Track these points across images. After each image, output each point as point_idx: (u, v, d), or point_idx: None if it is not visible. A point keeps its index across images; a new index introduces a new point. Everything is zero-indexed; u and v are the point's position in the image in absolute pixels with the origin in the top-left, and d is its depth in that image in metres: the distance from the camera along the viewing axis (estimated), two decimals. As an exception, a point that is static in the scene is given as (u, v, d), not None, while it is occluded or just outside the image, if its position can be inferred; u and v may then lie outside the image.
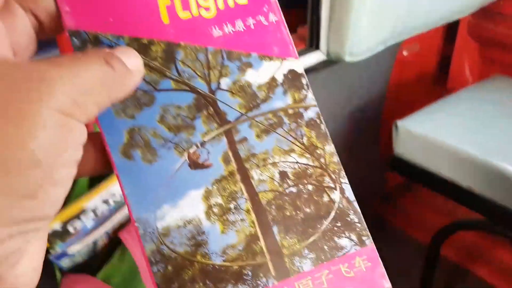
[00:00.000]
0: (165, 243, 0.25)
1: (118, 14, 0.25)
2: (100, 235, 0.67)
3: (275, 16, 0.28)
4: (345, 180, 0.28)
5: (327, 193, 0.27)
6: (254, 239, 0.26)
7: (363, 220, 0.27)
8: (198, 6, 0.26)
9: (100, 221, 0.67)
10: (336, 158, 0.28)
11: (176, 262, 0.25)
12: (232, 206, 0.26)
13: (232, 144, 0.27)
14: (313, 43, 0.94)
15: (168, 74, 0.26)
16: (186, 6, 0.26)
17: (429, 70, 1.37)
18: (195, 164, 0.26)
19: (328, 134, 0.28)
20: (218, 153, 0.26)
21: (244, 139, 0.27)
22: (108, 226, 0.68)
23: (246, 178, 0.27)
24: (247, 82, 0.27)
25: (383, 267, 0.27)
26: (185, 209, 0.25)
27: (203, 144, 0.26)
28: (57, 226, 0.62)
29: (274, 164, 0.27)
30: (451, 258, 1.27)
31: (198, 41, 0.26)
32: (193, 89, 0.26)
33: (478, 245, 1.27)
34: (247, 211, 0.26)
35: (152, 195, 0.25)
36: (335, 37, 0.91)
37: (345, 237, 0.27)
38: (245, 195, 0.26)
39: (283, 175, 0.27)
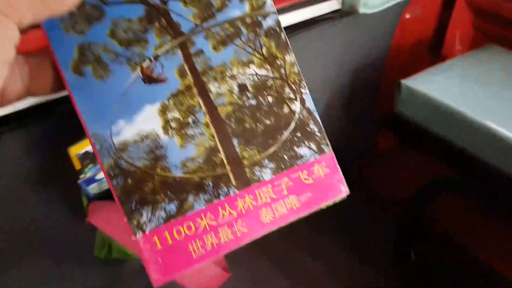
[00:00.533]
0: (123, 158, 0.21)
1: None
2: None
3: None
4: (305, 90, 0.23)
5: (287, 104, 0.23)
6: (214, 152, 0.22)
7: (323, 129, 0.24)
8: None
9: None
10: (296, 68, 0.23)
11: (135, 175, 0.21)
12: (190, 120, 0.22)
13: (187, 57, 0.22)
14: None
15: (117, -15, 0.21)
16: None
17: (426, 35, 1.27)
18: (149, 79, 0.22)
19: (289, 43, 0.23)
20: (173, 67, 0.22)
21: (200, 52, 0.22)
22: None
23: (203, 92, 0.22)
24: None
25: (341, 173, 0.23)
26: (141, 124, 0.22)
27: (156, 58, 0.22)
28: (90, 148, 0.58)
29: (232, 76, 0.23)
30: (432, 221, 1.19)
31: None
32: (144, 0, 0.22)
33: (456, 211, 1.19)
34: (206, 124, 0.22)
35: (107, 111, 0.21)
36: None
37: (305, 146, 0.23)
38: (203, 109, 0.22)
39: (242, 87, 0.23)
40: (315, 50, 0.93)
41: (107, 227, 0.59)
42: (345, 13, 0.87)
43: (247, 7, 0.23)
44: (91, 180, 0.59)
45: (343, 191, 0.23)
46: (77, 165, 0.59)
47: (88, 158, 0.58)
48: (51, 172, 0.66)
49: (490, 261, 1.11)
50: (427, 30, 1.26)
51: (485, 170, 0.89)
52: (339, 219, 1.23)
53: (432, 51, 1.30)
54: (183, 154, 0.22)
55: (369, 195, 1.31)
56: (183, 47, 0.22)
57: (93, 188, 0.60)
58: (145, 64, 0.22)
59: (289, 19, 0.78)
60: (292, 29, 0.80)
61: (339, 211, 1.32)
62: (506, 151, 0.84)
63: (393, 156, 1.38)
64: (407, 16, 1.15)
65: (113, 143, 0.21)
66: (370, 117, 1.28)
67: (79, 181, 0.59)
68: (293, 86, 0.23)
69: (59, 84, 0.21)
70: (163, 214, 0.21)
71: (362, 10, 0.84)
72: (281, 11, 0.78)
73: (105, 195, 0.61)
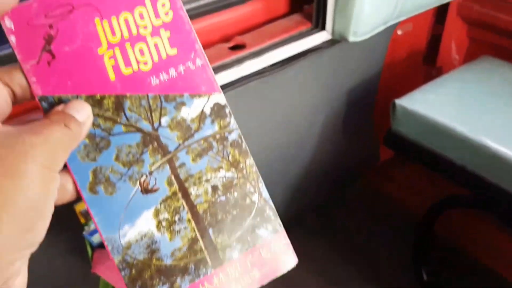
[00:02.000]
0: (128, 254, 0.29)
1: (74, 78, 0.28)
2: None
3: (201, 60, 0.30)
4: (262, 184, 0.31)
5: (249, 196, 0.31)
6: (194, 241, 0.30)
7: (276, 213, 0.32)
8: (138, 62, 0.29)
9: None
10: (254, 168, 0.31)
11: (137, 266, 0.29)
12: (176, 218, 0.30)
13: (173, 169, 0.30)
14: (319, 24, 0.91)
15: (119, 120, 0.29)
16: (128, 63, 0.29)
17: (420, 48, 1.32)
18: (146, 190, 0.30)
19: (248, 150, 0.31)
20: (163, 178, 0.30)
21: (183, 164, 0.30)
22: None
23: (186, 195, 0.30)
24: (182, 117, 0.30)
25: (291, 248, 0.32)
26: (140, 226, 0.29)
27: (151, 173, 0.30)
28: None
29: (207, 180, 0.30)
30: (445, 236, 1.22)
31: (140, 91, 0.29)
32: (139, 130, 0.30)
33: (469, 224, 1.22)
34: (188, 220, 0.30)
35: (115, 219, 0.29)
36: (341, 18, 0.89)
37: (263, 228, 0.31)
38: (186, 208, 0.30)
39: (215, 188, 0.31)
40: (307, 77, 0.99)
41: (110, 277, 0.68)
42: (336, 41, 0.93)
43: (216, 127, 0.31)
44: (94, 231, 0.68)
45: (294, 261, 0.31)
46: (82, 220, 0.69)
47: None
48: (59, 227, 0.75)
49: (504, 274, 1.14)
50: (420, 43, 1.31)
51: (488, 188, 0.91)
52: (349, 237, 1.29)
53: (427, 63, 1.35)
54: (172, 246, 0.29)
55: (377, 212, 1.36)
56: (170, 162, 0.30)
57: (95, 238, 0.70)
58: (143, 178, 0.29)
59: (281, 55, 0.85)
60: (283, 63, 0.86)
61: (348, 230, 1.38)
62: (505, 168, 0.86)
63: (399, 169, 1.43)
64: (399, 32, 1.20)
65: (121, 243, 0.29)
66: (369, 134, 1.34)
67: (83, 233, 0.68)
68: (252, 183, 0.31)
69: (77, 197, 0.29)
70: (158, 295, 0.29)
71: (352, 39, 0.90)
72: (272, 46, 0.84)
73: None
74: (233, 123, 0.31)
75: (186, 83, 0.30)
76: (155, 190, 0.30)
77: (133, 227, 0.29)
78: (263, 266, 0.30)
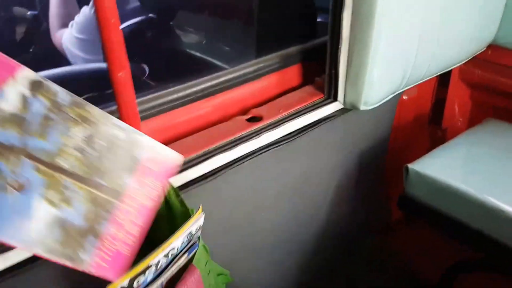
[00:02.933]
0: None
1: None
2: (156, 285, 0.71)
3: None
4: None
5: (112, 135, 0.40)
6: (91, 196, 0.35)
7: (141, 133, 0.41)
8: None
9: (159, 272, 0.71)
10: (98, 110, 0.40)
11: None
12: (64, 190, 0.35)
13: (33, 157, 0.34)
14: (331, 95, 0.97)
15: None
16: None
17: (425, 111, 1.38)
18: (19, 188, 0.34)
19: (78, 98, 0.37)
20: (30, 170, 0.33)
21: (37, 148, 0.34)
22: (164, 276, 0.72)
23: (58, 169, 0.34)
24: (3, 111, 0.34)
25: (167, 147, 0.42)
26: (40, 217, 0.33)
27: (14, 172, 0.34)
28: (125, 283, 0.67)
29: (67, 145, 0.35)
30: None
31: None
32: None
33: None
34: (74, 185, 0.34)
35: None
36: (352, 90, 0.94)
37: (138, 149, 0.40)
38: (66, 178, 0.34)
39: (78, 148, 0.36)
40: (320, 144, 1.04)
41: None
42: (347, 109, 0.99)
43: (45, 100, 0.34)
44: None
45: (177, 155, 0.41)
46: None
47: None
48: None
49: None
50: (425, 107, 1.37)
51: (501, 250, 0.91)
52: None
53: (433, 125, 1.40)
54: (78, 213, 0.35)
55: (388, 272, 1.35)
56: (24, 154, 0.32)
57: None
58: (9, 180, 0.32)
59: (295, 125, 0.90)
60: (298, 132, 0.91)
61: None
62: None
63: (411, 229, 1.43)
64: (405, 97, 1.26)
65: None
66: (381, 194, 1.36)
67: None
68: (106, 122, 0.40)
69: None
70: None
71: (363, 108, 0.96)
72: (288, 117, 0.90)
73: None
74: (56, 88, 0.34)
75: None
76: (27, 184, 0.32)
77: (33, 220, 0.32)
78: (155, 173, 0.37)
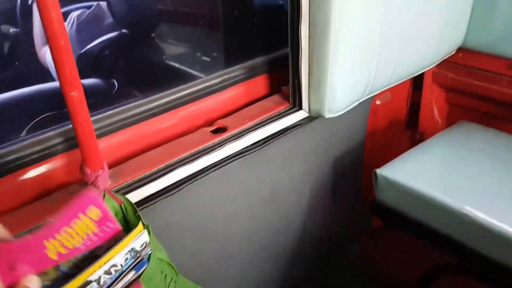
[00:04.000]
0: None
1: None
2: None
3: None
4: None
5: None
6: None
7: None
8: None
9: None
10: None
11: None
12: None
13: None
14: (296, 103, 1.00)
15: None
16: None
17: (401, 115, 1.41)
18: None
19: None
20: None
21: None
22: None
23: None
24: None
25: None
26: None
27: None
28: None
29: None
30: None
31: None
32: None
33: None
34: None
35: None
36: (315, 99, 0.97)
37: None
38: None
39: None
40: (289, 152, 1.07)
41: None
42: (314, 117, 1.02)
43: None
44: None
45: None
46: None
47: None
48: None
49: None
50: (401, 111, 1.40)
51: (473, 255, 0.93)
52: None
53: (410, 128, 1.43)
54: None
55: (369, 279, 1.37)
56: None
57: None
58: None
59: (260, 134, 0.93)
60: (264, 141, 0.94)
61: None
62: (486, 235, 0.89)
63: (391, 236, 1.45)
64: (378, 102, 1.29)
65: None
66: (359, 202, 1.39)
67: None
68: None
69: None
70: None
71: (327, 115, 0.99)
72: (252, 128, 0.93)
73: None
74: None
75: None
76: None
77: None
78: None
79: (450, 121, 1.39)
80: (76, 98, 0.65)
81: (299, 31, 0.89)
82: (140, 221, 0.56)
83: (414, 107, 1.40)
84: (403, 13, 1.01)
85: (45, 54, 1.52)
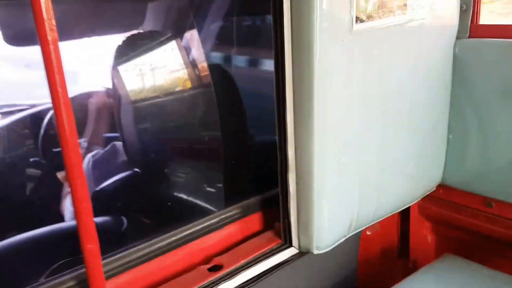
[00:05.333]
0: None
1: None
2: None
3: None
4: None
5: None
6: None
7: None
8: None
9: None
10: None
11: None
12: None
13: None
14: (287, 240, 1.11)
15: None
16: None
17: (392, 244, 1.50)
18: None
19: None
20: None
21: None
22: None
23: None
24: None
25: None
26: None
27: None
28: None
29: None
30: None
31: None
32: None
33: None
34: None
35: None
36: (304, 236, 1.08)
37: None
38: None
39: None
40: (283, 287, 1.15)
41: None
42: (304, 253, 1.12)
43: None
44: None
45: None
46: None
47: None
48: None
49: None
50: (392, 240, 1.50)
51: None
52: None
53: (402, 257, 1.52)
54: None
55: None
56: None
57: None
58: None
59: (254, 272, 1.03)
60: (257, 278, 1.03)
61: None
62: None
63: None
64: (368, 233, 1.40)
65: None
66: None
67: None
68: None
69: None
70: None
71: (316, 251, 1.09)
72: (246, 265, 1.03)
73: None
74: None
75: None
76: None
77: None
78: None
79: (439, 251, 1.47)
80: (92, 250, 0.78)
81: (287, 179, 1.04)
82: None
83: (405, 236, 1.50)
84: (380, 155, 1.16)
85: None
